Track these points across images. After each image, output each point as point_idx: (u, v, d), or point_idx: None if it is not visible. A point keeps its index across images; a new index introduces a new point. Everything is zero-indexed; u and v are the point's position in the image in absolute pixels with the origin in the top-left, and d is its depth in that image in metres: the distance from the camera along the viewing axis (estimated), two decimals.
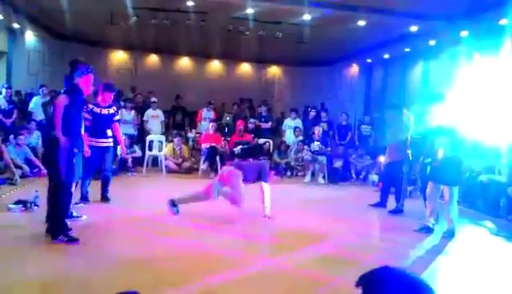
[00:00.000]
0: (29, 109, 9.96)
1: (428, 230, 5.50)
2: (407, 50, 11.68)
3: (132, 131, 9.97)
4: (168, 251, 4.30)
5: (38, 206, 5.37)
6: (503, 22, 7.92)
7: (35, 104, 9.90)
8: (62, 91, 4.57)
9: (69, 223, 4.42)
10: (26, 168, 7.81)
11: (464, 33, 9.07)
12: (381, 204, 6.96)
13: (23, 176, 7.56)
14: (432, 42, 10.46)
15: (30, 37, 12.07)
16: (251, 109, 13.05)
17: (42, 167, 7.46)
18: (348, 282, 1.30)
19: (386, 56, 12.94)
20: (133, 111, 10.05)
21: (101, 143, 6.11)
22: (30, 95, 10.74)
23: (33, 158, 8.07)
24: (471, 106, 8.31)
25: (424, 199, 5.84)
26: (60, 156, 4.20)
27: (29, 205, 5.39)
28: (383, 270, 1.30)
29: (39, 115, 9.67)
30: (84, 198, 6.01)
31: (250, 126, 10.96)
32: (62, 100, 4.32)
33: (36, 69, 12.31)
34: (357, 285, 1.29)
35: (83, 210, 5.42)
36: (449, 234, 5.36)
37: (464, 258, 4.82)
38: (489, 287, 3.92)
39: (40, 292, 3.23)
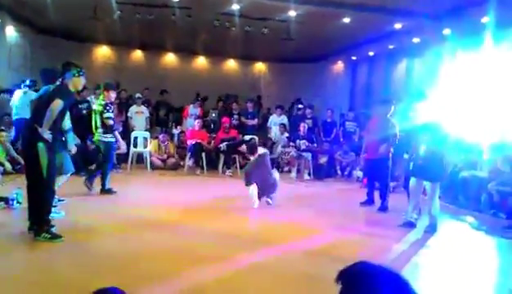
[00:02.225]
0: (12, 105, 9.28)
1: (410, 225, 5.57)
2: (391, 47, 11.79)
3: None
4: (155, 247, 4.28)
5: (19, 203, 5.28)
6: (485, 20, 8.05)
7: (22, 100, 8.59)
8: (50, 87, 4.47)
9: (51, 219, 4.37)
10: (8, 165, 7.68)
11: (447, 31, 9.20)
12: (369, 202, 6.97)
13: (5, 173, 7.44)
14: (416, 40, 10.58)
15: (11, 32, 11.82)
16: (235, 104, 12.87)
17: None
18: (333, 275, 1.32)
19: (371, 53, 13.03)
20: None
21: None
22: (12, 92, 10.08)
23: (15, 155, 7.93)
24: (454, 103, 8.43)
25: (408, 195, 5.92)
26: (40, 153, 4.14)
27: (10, 202, 5.31)
28: (362, 265, 1.31)
29: (26, 114, 8.50)
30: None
31: (234, 122, 10.94)
32: (59, 105, 4.22)
33: (18, 65, 12.06)
34: (337, 280, 1.30)
35: (66, 206, 5.37)
36: (431, 229, 5.45)
37: (446, 252, 4.91)
38: (470, 280, 4.00)
39: (24, 289, 3.18)
